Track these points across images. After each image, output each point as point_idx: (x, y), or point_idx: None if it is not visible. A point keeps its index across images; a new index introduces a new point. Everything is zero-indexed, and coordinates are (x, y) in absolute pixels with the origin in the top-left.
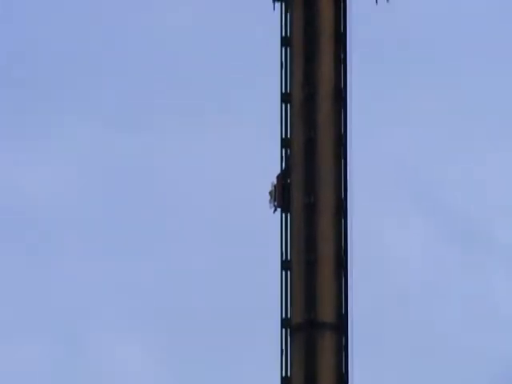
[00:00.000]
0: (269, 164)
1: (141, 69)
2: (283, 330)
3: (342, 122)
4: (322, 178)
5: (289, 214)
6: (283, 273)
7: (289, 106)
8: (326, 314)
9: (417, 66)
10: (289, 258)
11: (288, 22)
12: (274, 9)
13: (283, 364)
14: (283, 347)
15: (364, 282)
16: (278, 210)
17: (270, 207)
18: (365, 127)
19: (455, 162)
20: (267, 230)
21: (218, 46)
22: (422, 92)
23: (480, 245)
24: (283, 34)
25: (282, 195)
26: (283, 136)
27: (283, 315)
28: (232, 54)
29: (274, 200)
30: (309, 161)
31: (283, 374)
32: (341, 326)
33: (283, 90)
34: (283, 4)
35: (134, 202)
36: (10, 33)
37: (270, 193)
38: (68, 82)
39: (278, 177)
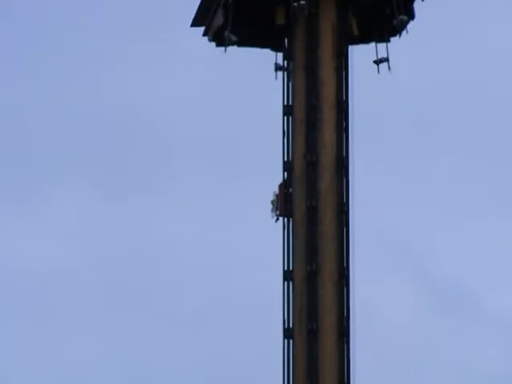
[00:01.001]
0: (270, 233)
1: (133, 133)
2: None
3: (343, 190)
4: (324, 245)
5: (291, 284)
6: (285, 341)
7: (291, 174)
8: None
9: (416, 134)
10: (291, 325)
11: (290, 90)
12: (276, 78)
13: None
14: None
15: (362, 352)
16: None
17: (272, 216)
18: (365, 195)
19: (448, 231)
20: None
21: (220, 115)
22: (420, 159)
23: (470, 313)
24: (285, 102)
25: (284, 204)
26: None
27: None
28: (234, 123)
29: (276, 209)
30: (311, 229)
31: None
32: None
33: (285, 158)
34: (285, 73)
35: (127, 267)
36: None
37: (272, 202)
38: (55, 146)
39: (280, 186)
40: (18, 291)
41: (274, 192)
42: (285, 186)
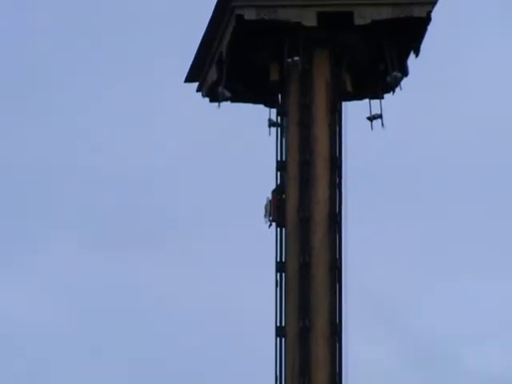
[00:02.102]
0: (264, 288)
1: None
2: None
3: (336, 246)
4: (316, 302)
5: (284, 340)
6: None
7: (284, 230)
8: None
9: (408, 190)
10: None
11: (283, 146)
12: (270, 134)
13: None
14: None
15: None
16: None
17: (265, 222)
18: (357, 251)
19: (430, 290)
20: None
21: (213, 172)
22: (410, 219)
23: (449, 371)
24: (279, 158)
25: (276, 210)
26: (278, 260)
27: None
28: (228, 179)
29: (270, 215)
30: (303, 285)
31: None
32: None
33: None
34: (278, 129)
35: (117, 323)
36: None
37: (266, 206)
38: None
39: (273, 192)
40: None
41: (268, 197)
42: (278, 191)
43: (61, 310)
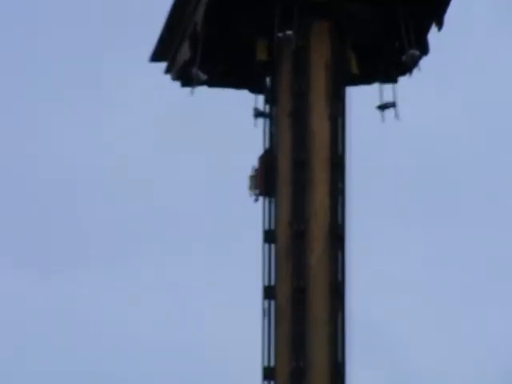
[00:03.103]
0: (248, 319)
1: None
2: None
3: (338, 266)
4: (313, 336)
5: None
6: None
7: (273, 246)
8: None
9: (428, 198)
10: None
11: (273, 141)
12: (256, 125)
13: None
14: None
15: None
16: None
17: (250, 195)
18: (364, 273)
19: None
20: None
21: (184, 173)
22: (429, 231)
23: None
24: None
25: (264, 180)
26: (266, 284)
27: None
28: (202, 183)
29: (255, 187)
30: (297, 315)
31: None
32: None
33: (266, 227)
34: (267, 120)
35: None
36: None
37: (251, 177)
38: None
39: (260, 159)
40: None
41: (253, 166)
42: (266, 157)
43: None
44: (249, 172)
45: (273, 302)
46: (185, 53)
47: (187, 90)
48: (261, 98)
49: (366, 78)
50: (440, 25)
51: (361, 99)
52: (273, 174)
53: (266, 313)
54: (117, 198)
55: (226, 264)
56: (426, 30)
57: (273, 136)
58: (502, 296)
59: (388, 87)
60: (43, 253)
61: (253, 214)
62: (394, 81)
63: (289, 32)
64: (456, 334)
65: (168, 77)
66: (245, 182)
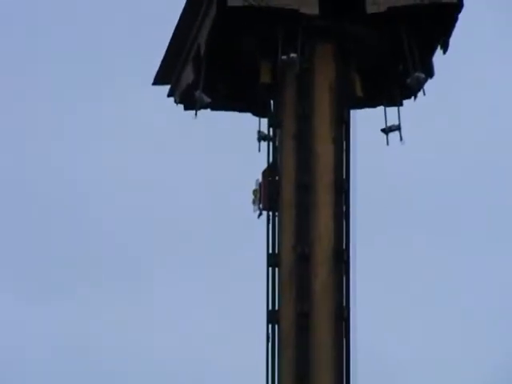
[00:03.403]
0: (251, 344)
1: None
2: None
3: (343, 291)
4: (318, 362)
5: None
6: None
7: (277, 270)
8: None
9: (435, 223)
10: None
11: (277, 165)
12: (260, 150)
13: None
14: None
15: None
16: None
17: (254, 210)
18: (369, 299)
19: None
20: None
21: (188, 198)
22: (438, 257)
23: None
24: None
25: (268, 195)
26: (270, 308)
27: None
28: (204, 206)
29: (259, 202)
30: (301, 341)
31: None
32: None
33: (270, 251)
34: (271, 143)
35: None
36: None
37: (254, 192)
38: None
39: (263, 173)
40: None
41: (257, 180)
42: (270, 171)
43: None
44: (252, 189)
45: (276, 327)
46: (188, 76)
47: (190, 113)
48: (264, 121)
49: (370, 100)
50: (445, 47)
51: (365, 122)
52: (276, 189)
53: (270, 337)
54: (116, 216)
55: (227, 284)
56: (431, 52)
57: (276, 159)
58: None
59: (393, 110)
60: (42, 269)
61: (257, 235)
62: (399, 104)
63: (293, 55)
64: (464, 361)
65: (171, 100)
66: (248, 204)
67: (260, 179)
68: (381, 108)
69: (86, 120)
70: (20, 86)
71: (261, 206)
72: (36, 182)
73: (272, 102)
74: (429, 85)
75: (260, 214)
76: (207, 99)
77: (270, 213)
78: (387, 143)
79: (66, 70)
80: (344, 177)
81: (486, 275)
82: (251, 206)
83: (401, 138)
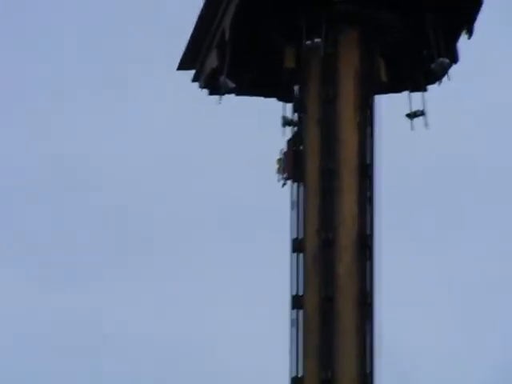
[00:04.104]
0: (276, 329)
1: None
2: None
3: (367, 276)
4: (342, 346)
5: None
6: None
7: (301, 255)
8: None
9: (459, 209)
10: None
11: (301, 150)
12: (284, 135)
13: None
14: None
15: None
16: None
17: (278, 180)
18: (393, 284)
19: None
20: None
21: (213, 182)
22: (462, 244)
23: None
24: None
25: (293, 164)
26: (294, 293)
27: None
28: (230, 191)
29: (283, 171)
30: (326, 325)
31: None
32: None
33: (294, 236)
34: (295, 128)
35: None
36: None
37: (279, 161)
38: None
39: (288, 142)
40: None
41: (282, 150)
42: (295, 140)
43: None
44: (276, 159)
45: (301, 312)
46: (213, 61)
47: (215, 98)
48: (289, 107)
49: (395, 86)
50: (470, 32)
51: (390, 107)
52: (301, 158)
53: (294, 323)
54: (139, 202)
55: (252, 270)
56: (456, 37)
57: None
58: None
59: (417, 95)
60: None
61: (281, 221)
62: (424, 89)
63: (317, 40)
64: (484, 347)
65: (196, 85)
66: (273, 188)
67: (285, 149)
68: (405, 93)
69: (110, 106)
70: (41, 72)
71: (285, 175)
72: (61, 168)
73: (296, 87)
74: (453, 70)
75: (284, 184)
76: (232, 84)
77: (295, 186)
78: (412, 128)
79: (91, 56)
80: (368, 162)
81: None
82: (275, 177)
83: (425, 124)
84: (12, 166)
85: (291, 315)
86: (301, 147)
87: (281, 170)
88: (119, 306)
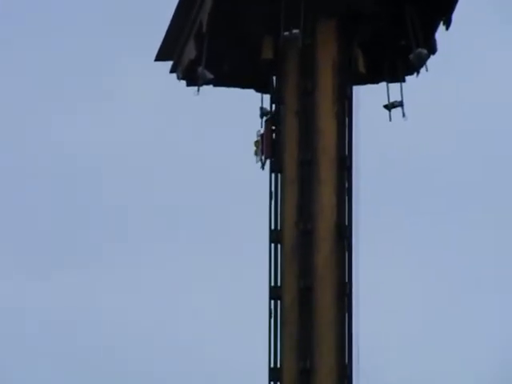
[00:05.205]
0: (253, 320)
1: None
2: None
3: (345, 266)
4: (320, 337)
5: None
6: None
7: (279, 246)
8: None
9: (437, 199)
10: None
11: (279, 141)
12: (262, 126)
13: None
14: None
15: None
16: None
17: (256, 161)
18: (371, 274)
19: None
20: None
21: (190, 174)
22: (440, 233)
23: None
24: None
25: (271, 145)
26: (272, 284)
27: None
28: (206, 182)
29: (261, 152)
30: (304, 317)
31: None
32: None
33: (272, 227)
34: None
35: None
36: None
37: (256, 143)
38: None
39: (266, 122)
40: None
41: (258, 131)
42: (272, 121)
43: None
44: (254, 141)
45: (279, 303)
46: (190, 52)
47: (193, 89)
48: (267, 98)
49: (373, 76)
50: (448, 24)
51: (368, 98)
52: (278, 137)
53: (272, 313)
54: (118, 194)
55: (229, 260)
56: (434, 28)
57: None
58: None
59: (395, 86)
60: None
61: (259, 212)
62: (402, 80)
63: (295, 31)
64: (468, 339)
65: (173, 76)
66: (252, 177)
67: (261, 130)
68: (383, 84)
69: (87, 96)
70: (29, 62)
71: (263, 156)
72: (53, 162)
73: (274, 78)
74: (431, 61)
75: (263, 166)
76: (210, 75)
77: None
78: (390, 119)
79: (67, 46)
80: (346, 153)
81: (491, 250)
82: (254, 160)
83: (403, 114)
84: (11, 155)
85: (269, 306)
86: (278, 127)
87: (259, 152)
88: (107, 293)
